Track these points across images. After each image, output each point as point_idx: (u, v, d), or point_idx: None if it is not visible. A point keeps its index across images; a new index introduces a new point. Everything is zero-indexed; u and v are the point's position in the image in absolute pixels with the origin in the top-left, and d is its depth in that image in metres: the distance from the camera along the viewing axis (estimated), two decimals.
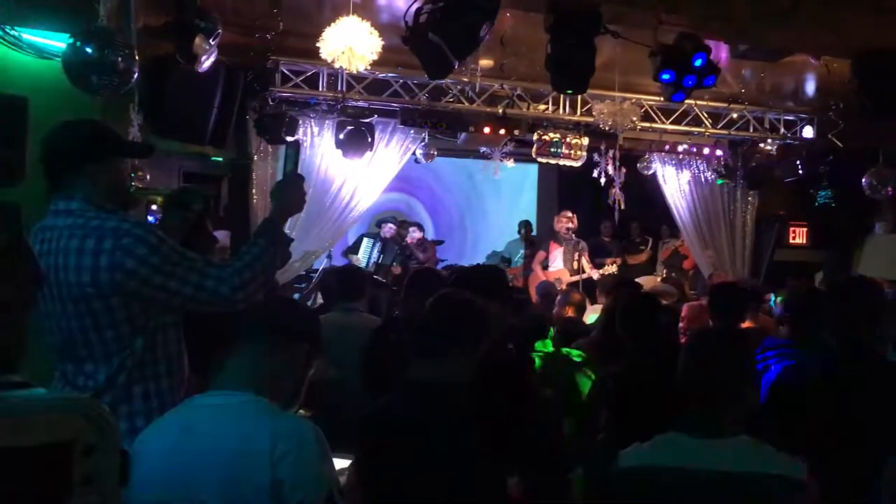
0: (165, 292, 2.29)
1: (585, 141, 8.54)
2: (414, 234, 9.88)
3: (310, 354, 2.08)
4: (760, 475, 2.07)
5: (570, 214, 9.25)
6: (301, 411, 2.23)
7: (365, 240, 9.41)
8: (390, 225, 9.66)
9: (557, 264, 9.12)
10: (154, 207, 6.48)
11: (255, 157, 8.03)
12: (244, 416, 1.87)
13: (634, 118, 7.87)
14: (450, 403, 2.27)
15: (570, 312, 5.44)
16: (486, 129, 7.98)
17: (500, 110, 7.93)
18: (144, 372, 2.35)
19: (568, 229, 9.11)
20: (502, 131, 8.05)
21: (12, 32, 4.00)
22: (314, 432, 1.89)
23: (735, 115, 8.74)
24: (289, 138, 7.26)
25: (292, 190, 2.53)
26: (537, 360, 3.97)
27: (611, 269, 9.16)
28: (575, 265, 9.04)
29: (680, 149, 9.19)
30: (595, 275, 8.87)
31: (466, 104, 7.87)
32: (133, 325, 2.31)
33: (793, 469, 2.09)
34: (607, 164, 9.05)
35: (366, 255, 9.23)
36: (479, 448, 2.23)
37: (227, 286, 2.33)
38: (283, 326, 2.07)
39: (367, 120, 7.88)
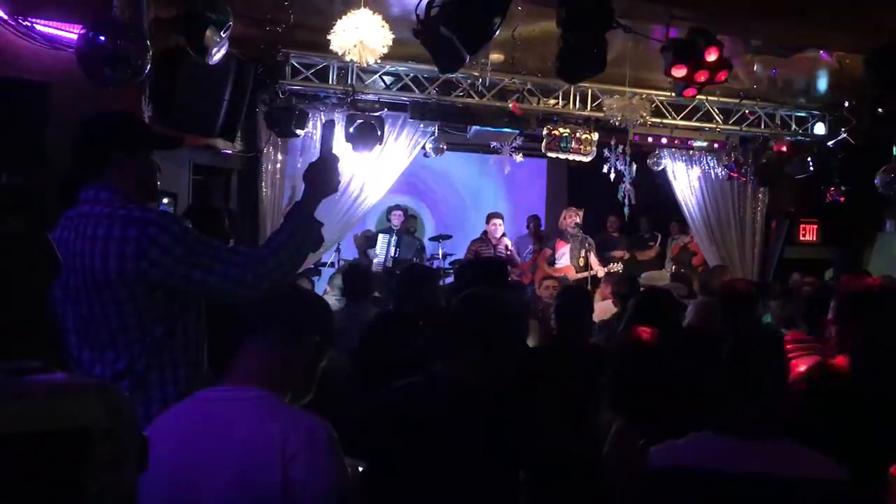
0: (189, 282, 2.29)
1: (595, 136, 8.53)
2: (497, 224, 9.00)
3: (321, 346, 2.04)
4: (804, 479, 2.03)
5: (576, 210, 9.21)
6: None
7: (381, 236, 9.39)
8: (397, 212, 9.57)
9: (564, 261, 9.07)
10: (165, 201, 6.52)
11: (265, 150, 8.04)
12: (254, 411, 1.84)
13: (644, 113, 7.86)
14: (478, 403, 2.24)
15: None
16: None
17: (511, 105, 7.91)
18: (163, 359, 2.35)
19: (576, 225, 9.06)
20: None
21: (25, 23, 4.01)
22: (326, 430, 1.85)
23: (746, 111, 8.70)
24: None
25: (326, 170, 2.47)
26: None
27: (616, 266, 9.12)
28: (581, 262, 9.01)
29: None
30: (601, 272, 8.84)
31: (476, 98, 7.86)
32: (155, 313, 2.31)
33: (836, 472, 2.05)
34: (617, 160, 9.02)
35: (383, 250, 9.21)
36: (501, 449, 2.20)
37: (251, 274, 2.31)
38: (293, 318, 2.03)
39: (377, 113, 7.88)
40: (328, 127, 2.58)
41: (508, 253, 8.99)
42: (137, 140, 2.48)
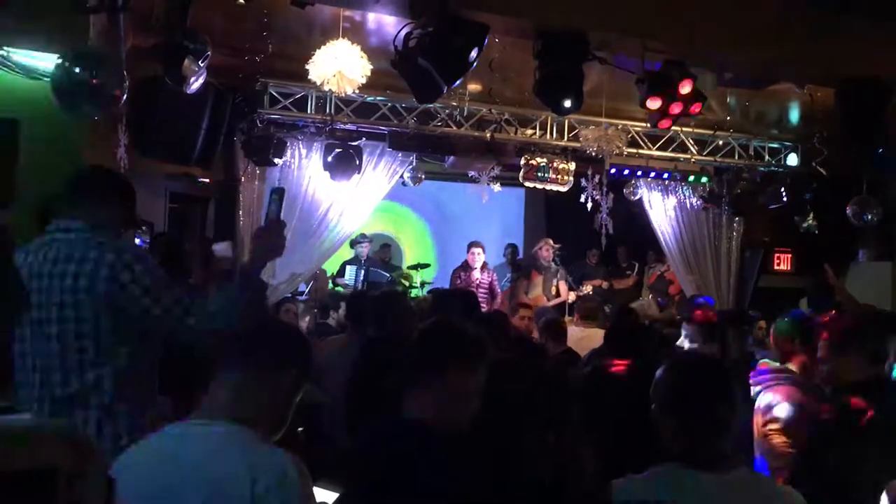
0: (146, 312, 2.40)
1: (572, 166, 8.59)
2: (476, 253, 8.92)
3: (297, 380, 2.02)
4: None
5: (552, 244, 9.23)
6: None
7: (348, 267, 9.32)
8: (364, 242, 9.45)
9: (537, 291, 9.10)
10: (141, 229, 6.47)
11: (243, 179, 8.03)
12: (226, 447, 1.82)
13: (620, 144, 7.93)
14: (444, 438, 2.20)
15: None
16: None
17: (488, 135, 7.96)
18: (120, 387, 2.42)
19: (552, 257, 9.10)
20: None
21: (1, 52, 3.99)
22: (296, 467, 1.83)
23: (720, 142, 8.82)
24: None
25: (273, 235, 2.60)
26: None
27: (587, 288, 9.19)
28: (553, 291, 9.07)
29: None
30: (571, 297, 8.87)
31: (454, 128, 7.90)
32: (116, 339, 2.39)
33: (797, 500, 2.07)
34: (594, 190, 9.09)
35: (351, 280, 9.16)
36: (472, 485, 2.17)
37: (194, 319, 2.44)
38: (269, 351, 2.00)
39: (355, 143, 7.90)
40: (276, 194, 2.66)
41: (491, 281, 9.00)
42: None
